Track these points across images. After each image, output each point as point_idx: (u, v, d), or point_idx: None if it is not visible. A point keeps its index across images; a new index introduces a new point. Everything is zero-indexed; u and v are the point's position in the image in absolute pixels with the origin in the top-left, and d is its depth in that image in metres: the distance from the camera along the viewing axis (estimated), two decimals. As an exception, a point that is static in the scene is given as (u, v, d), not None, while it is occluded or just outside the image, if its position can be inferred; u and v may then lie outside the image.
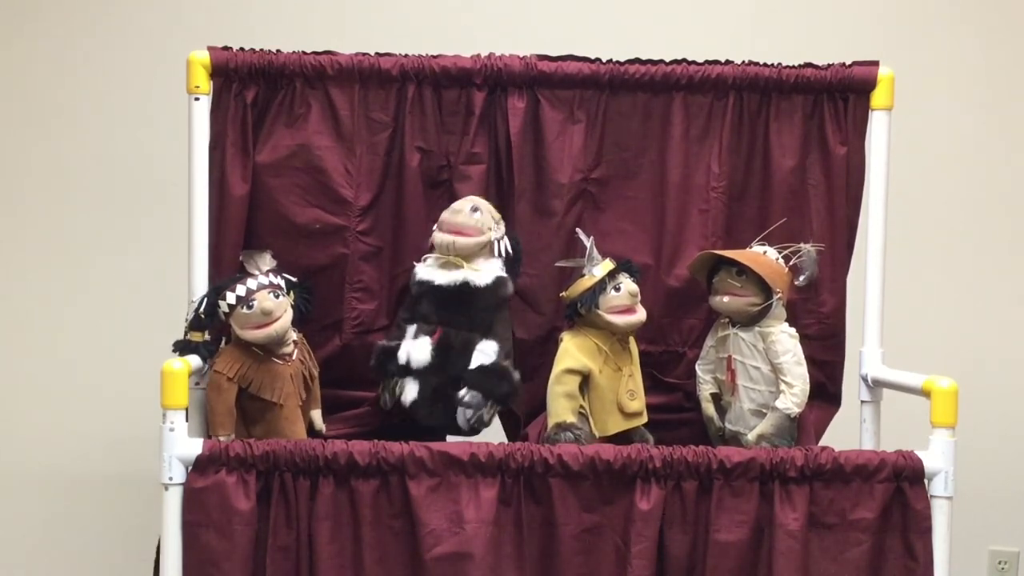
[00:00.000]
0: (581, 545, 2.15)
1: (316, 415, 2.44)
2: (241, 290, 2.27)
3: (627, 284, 2.38)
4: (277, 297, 2.28)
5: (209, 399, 2.29)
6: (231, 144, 2.45)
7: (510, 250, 2.40)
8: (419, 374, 2.31)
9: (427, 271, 2.35)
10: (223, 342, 2.38)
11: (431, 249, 2.40)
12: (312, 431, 2.40)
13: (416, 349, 2.30)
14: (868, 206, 2.54)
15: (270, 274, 2.32)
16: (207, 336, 2.34)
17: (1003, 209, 3.25)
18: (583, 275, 2.39)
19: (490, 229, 2.35)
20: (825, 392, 2.57)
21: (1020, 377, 3.25)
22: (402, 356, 2.31)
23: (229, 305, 2.27)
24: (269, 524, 2.12)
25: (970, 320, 3.24)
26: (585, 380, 2.37)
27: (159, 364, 2.16)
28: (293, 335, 2.35)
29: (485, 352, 2.31)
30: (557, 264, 2.46)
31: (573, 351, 2.38)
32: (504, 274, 2.36)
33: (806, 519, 2.14)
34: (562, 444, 2.19)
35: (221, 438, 2.25)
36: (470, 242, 2.33)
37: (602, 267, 2.38)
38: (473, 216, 2.33)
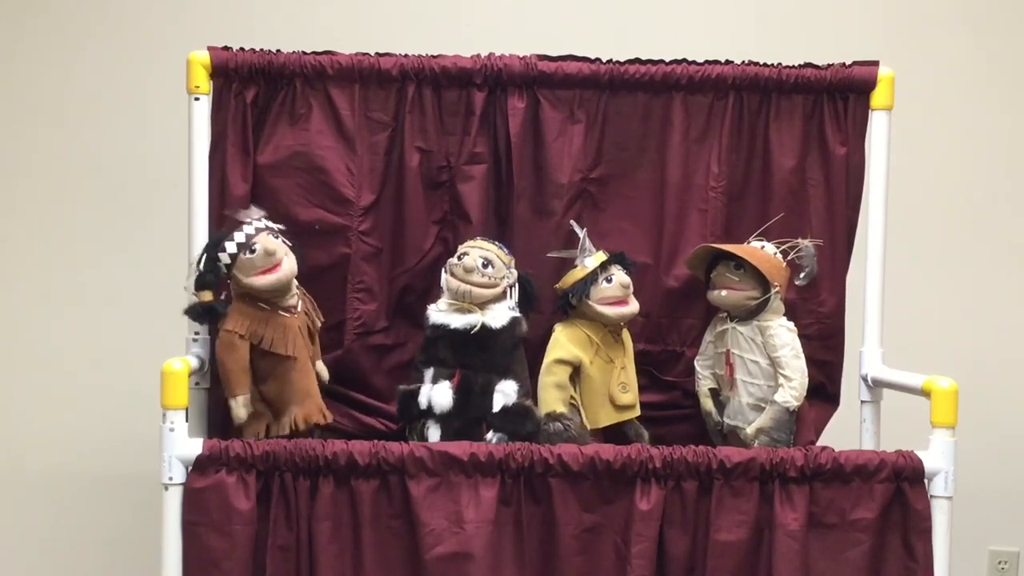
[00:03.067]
0: (581, 545, 2.15)
1: (320, 366, 2.42)
2: (240, 236, 2.24)
3: (619, 276, 2.38)
4: (277, 238, 2.26)
5: (222, 360, 2.25)
6: (232, 144, 2.45)
7: (528, 287, 2.41)
8: (441, 417, 2.30)
9: (441, 315, 2.34)
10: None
11: (442, 291, 2.38)
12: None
13: (437, 394, 2.29)
14: (868, 206, 2.55)
15: (263, 219, 2.30)
16: (214, 296, 2.28)
17: (1003, 209, 3.25)
18: (575, 266, 2.39)
19: (504, 278, 2.35)
20: (824, 392, 2.57)
21: (1020, 377, 3.25)
22: (423, 401, 2.30)
23: (231, 255, 2.23)
24: (269, 524, 2.12)
25: (970, 320, 3.24)
26: (576, 372, 2.38)
27: (159, 364, 2.16)
28: (295, 284, 2.33)
29: (505, 392, 2.31)
30: (549, 255, 2.46)
31: (564, 342, 2.38)
32: (518, 314, 2.36)
33: (806, 519, 2.14)
34: (562, 444, 2.19)
35: (240, 398, 2.24)
36: (486, 293, 2.33)
37: (595, 258, 2.39)
38: (486, 272, 2.33)
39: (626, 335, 2.46)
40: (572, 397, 2.38)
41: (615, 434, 2.42)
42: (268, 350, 2.26)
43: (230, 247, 2.24)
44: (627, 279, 2.39)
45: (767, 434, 2.36)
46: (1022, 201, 3.26)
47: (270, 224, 2.30)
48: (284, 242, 2.29)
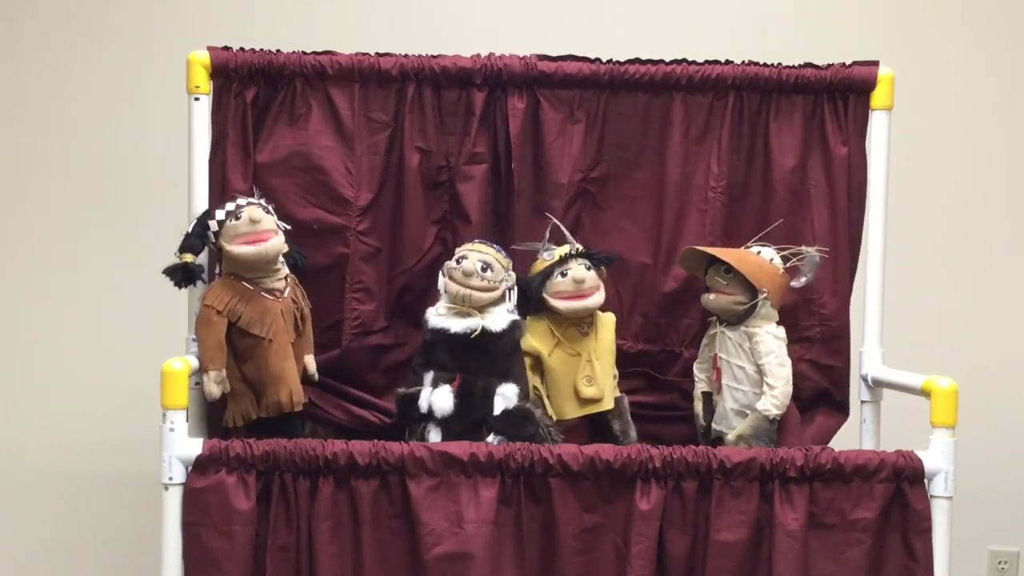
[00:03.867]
0: (581, 545, 2.15)
1: (309, 360, 2.43)
2: (230, 205, 2.29)
3: (575, 270, 2.37)
4: (267, 212, 2.29)
5: (199, 334, 2.29)
6: (231, 144, 2.46)
7: (526, 290, 2.39)
8: (441, 421, 2.29)
9: (440, 319, 2.33)
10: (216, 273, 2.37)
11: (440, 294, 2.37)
12: (304, 376, 2.40)
13: (438, 398, 2.29)
14: (868, 206, 2.54)
15: (261, 199, 2.33)
16: (197, 260, 2.33)
17: (1003, 209, 3.25)
18: (536, 259, 2.41)
19: (502, 281, 2.35)
20: (830, 399, 2.55)
21: (1020, 377, 3.24)
22: (423, 405, 2.30)
23: (219, 222, 2.28)
24: (269, 524, 2.12)
25: (970, 320, 3.24)
26: (539, 364, 2.39)
27: (159, 364, 2.16)
28: (285, 270, 2.35)
29: (506, 396, 2.30)
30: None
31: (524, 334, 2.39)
32: (517, 316, 2.35)
33: (806, 519, 2.14)
34: (561, 445, 2.20)
35: (212, 373, 2.25)
36: (485, 297, 2.33)
37: (556, 252, 2.39)
38: (486, 276, 2.32)
39: (605, 329, 2.45)
40: (535, 388, 2.39)
41: (601, 428, 2.43)
42: (245, 330, 2.28)
43: (219, 214, 2.29)
44: (584, 274, 2.37)
45: (746, 441, 2.34)
46: (1022, 201, 3.26)
47: (264, 203, 2.32)
48: (278, 224, 2.31)
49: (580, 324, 2.41)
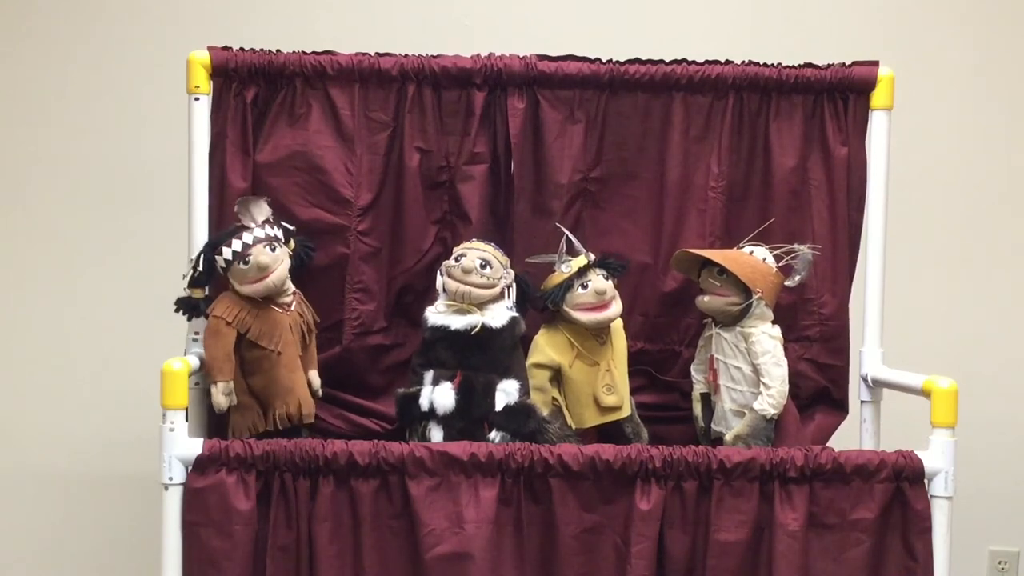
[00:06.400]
0: (581, 545, 2.15)
1: (313, 375, 2.42)
2: (237, 245, 2.27)
3: (596, 282, 2.37)
4: (274, 250, 2.29)
5: (207, 345, 2.29)
6: (231, 144, 2.46)
7: (525, 288, 2.40)
8: (443, 419, 2.29)
9: (440, 317, 2.33)
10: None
11: (439, 293, 2.38)
12: (309, 391, 2.39)
13: (439, 395, 2.29)
14: (868, 206, 2.54)
15: (266, 225, 2.32)
16: (207, 292, 2.36)
17: (1003, 209, 3.25)
18: (553, 271, 2.40)
19: (501, 278, 2.35)
20: (829, 398, 2.55)
21: (1020, 377, 3.24)
22: (424, 403, 2.29)
23: (226, 260, 2.28)
24: (269, 524, 2.12)
25: (970, 320, 3.24)
26: (558, 374, 2.39)
27: (159, 364, 2.16)
28: (292, 286, 2.35)
29: (507, 391, 2.30)
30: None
31: (542, 346, 2.40)
32: (516, 314, 2.35)
33: (806, 519, 2.14)
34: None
35: (220, 385, 2.26)
36: (485, 293, 2.33)
37: (573, 264, 2.38)
38: (484, 272, 2.33)
39: (618, 336, 2.45)
40: (555, 399, 2.39)
41: (613, 432, 2.42)
42: (254, 341, 2.28)
43: (227, 253, 2.28)
44: (604, 285, 2.37)
45: (744, 441, 2.34)
46: (1022, 201, 3.26)
47: (269, 231, 2.31)
48: (282, 247, 2.31)
49: (599, 334, 2.41)
